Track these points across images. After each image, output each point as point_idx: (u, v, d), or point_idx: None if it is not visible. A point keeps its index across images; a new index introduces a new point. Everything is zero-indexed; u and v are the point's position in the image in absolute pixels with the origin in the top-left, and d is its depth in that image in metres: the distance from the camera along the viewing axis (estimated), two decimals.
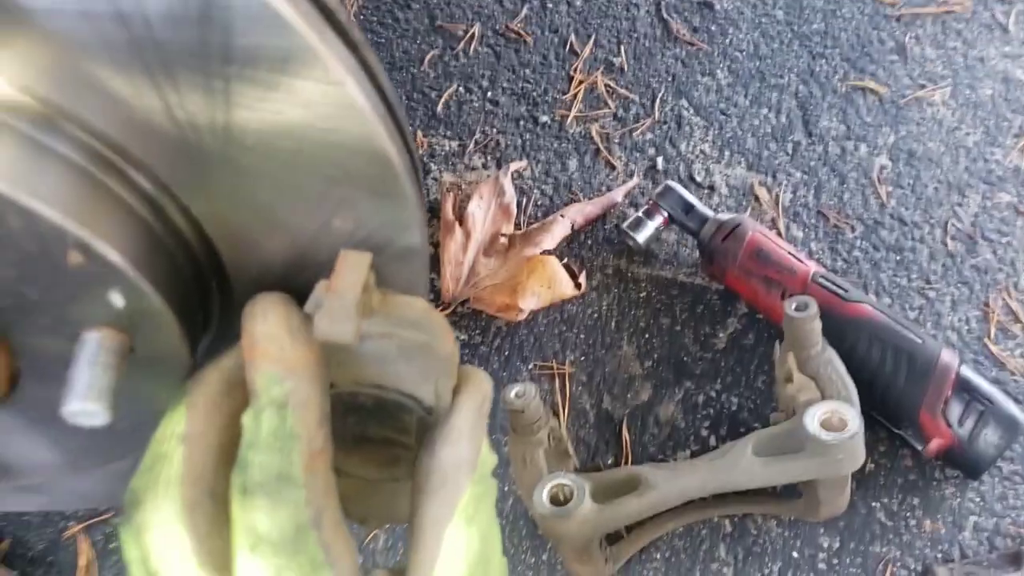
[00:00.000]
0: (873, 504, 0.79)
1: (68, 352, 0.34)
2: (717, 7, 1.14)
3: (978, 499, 0.79)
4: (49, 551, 0.90)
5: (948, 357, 0.75)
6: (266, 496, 0.31)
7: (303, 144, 0.32)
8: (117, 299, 0.33)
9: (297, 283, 0.36)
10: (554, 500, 0.68)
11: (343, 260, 0.33)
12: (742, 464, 0.66)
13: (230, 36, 0.28)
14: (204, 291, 0.38)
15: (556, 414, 0.89)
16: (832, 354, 0.71)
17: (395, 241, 0.36)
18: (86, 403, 0.31)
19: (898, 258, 0.93)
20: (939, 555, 0.77)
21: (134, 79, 0.29)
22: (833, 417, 0.64)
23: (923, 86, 1.04)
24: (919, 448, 0.76)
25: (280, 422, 0.32)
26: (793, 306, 0.70)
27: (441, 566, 0.33)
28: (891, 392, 0.76)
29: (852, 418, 0.64)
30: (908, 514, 0.79)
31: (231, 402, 0.35)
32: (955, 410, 0.74)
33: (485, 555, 0.34)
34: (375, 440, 0.40)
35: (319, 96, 0.30)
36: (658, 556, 0.81)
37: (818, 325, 0.70)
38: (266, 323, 0.33)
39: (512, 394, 0.71)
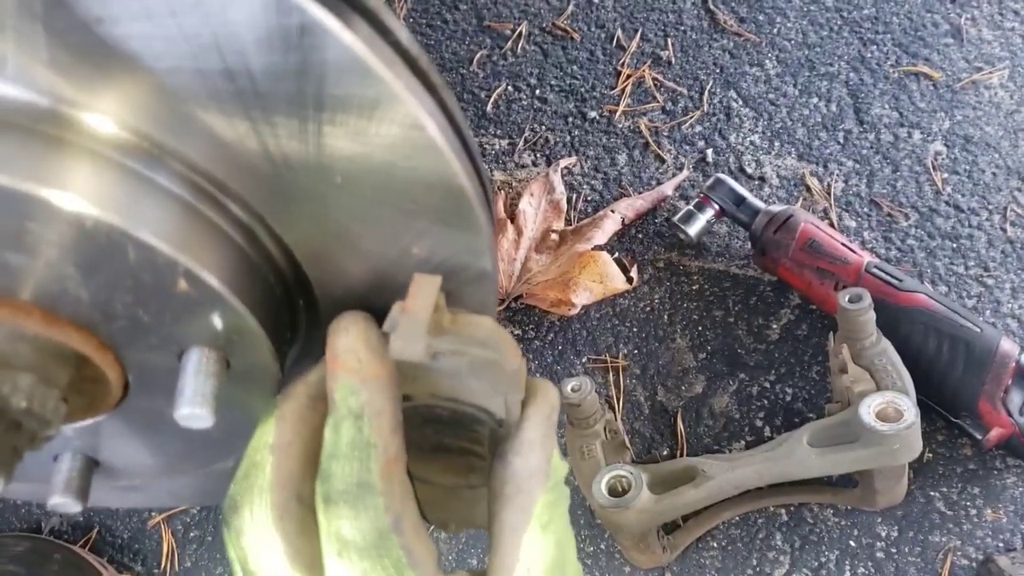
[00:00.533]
0: (932, 494, 0.80)
1: (172, 367, 0.37)
2: None
3: None
4: (134, 539, 0.95)
5: (1008, 346, 0.75)
6: (348, 504, 0.33)
7: (386, 181, 0.34)
8: (217, 321, 0.36)
9: (377, 303, 0.39)
10: (612, 491, 0.70)
11: (416, 283, 0.36)
12: (797, 454, 0.68)
13: (323, 86, 0.30)
14: (292, 310, 0.41)
15: (612, 407, 0.91)
16: (887, 345, 0.72)
17: (469, 267, 0.39)
18: (194, 408, 0.35)
19: (954, 246, 0.93)
20: (1000, 544, 0.77)
21: (236, 124, 0.32)
22: (888, 408, 0.65)
23: (980, 69, 1.03)
24: (979, 438, 0.77)
25: (357, 432, 0.34)
26: (847, 298, 0.71)
27: (519, 570, 0.34)
28: (949, 382, 0.77)
29: (908, 408, 0.65)
30: (968, 503, 0.79)
31: (316, 414, 0.37)
32: (1016, 399, 0.74)
33: (561, 560, 0.36)
34: (452, 450, 0.42)
35: (402, 138, 0.32)
36: (715, 545, 0.83)
37: (872, 316, 0.71)
38: (347, 337, 0.36)
39: (568, 388, 0.73)
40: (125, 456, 0.45)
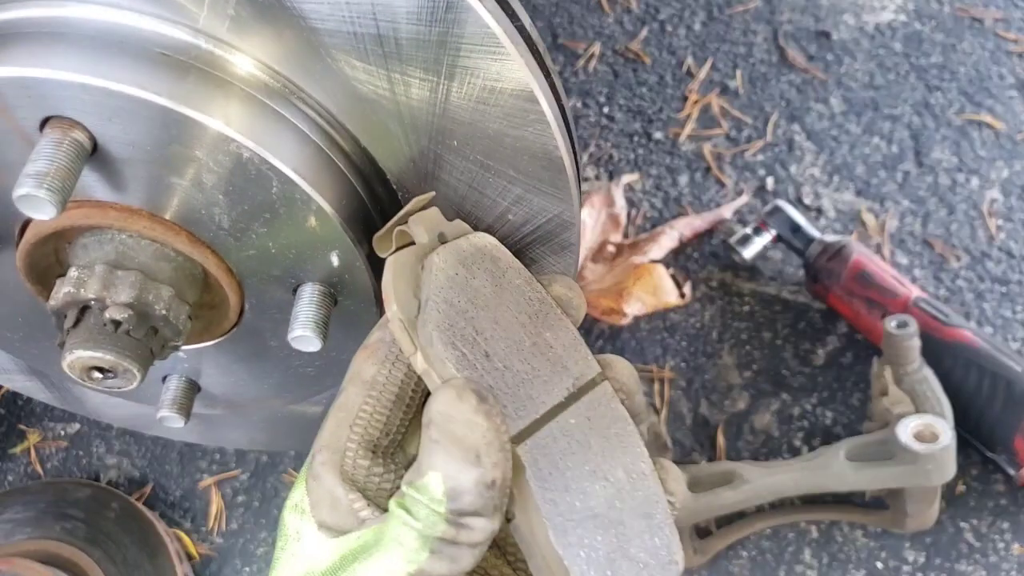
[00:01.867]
0: (962, 524, 0.82)
1: (286, 300, 0.42)
2: (835, 36, 1.17)
3: None
4: (185, 498, 1.00)
5: None
6: None
7: (496, 147, 0.39)
8: (335, 259, 0.40)
9: None
10: None
11: None
12: (834, 467, 0.71)
13: (458, 56, 0.35)
14: None
15: (656, 413, 0.94)
16: (929, 372, 0.74)
17: (557, 236, 0.43)
18: (306, 331, 0.39)
19: (1003, 290, 0.95)
20: None
21: (376, 83, 0.37)
22: (926, 430, 0.68)
23: None
24: (1012, 473, 0.78)
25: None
26: (894, 323, 0.74)
27: None
28: (987, 417, 0.79)
29: (944, 431, 0.67)
30: (997, 537, 0.81)
31: None
32: None
33: None
34: None
35: (516, 109, 0.37)
36: (745, 554, 0.85)
37: (917, 343, 0.74)
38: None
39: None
40: (225, 383, 0.50)
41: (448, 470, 0.31)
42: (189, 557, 0.93)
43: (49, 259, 0.42)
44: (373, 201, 0.42)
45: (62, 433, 1.02)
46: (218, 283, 0.42)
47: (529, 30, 0.37)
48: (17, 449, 1.01)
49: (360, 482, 0.35)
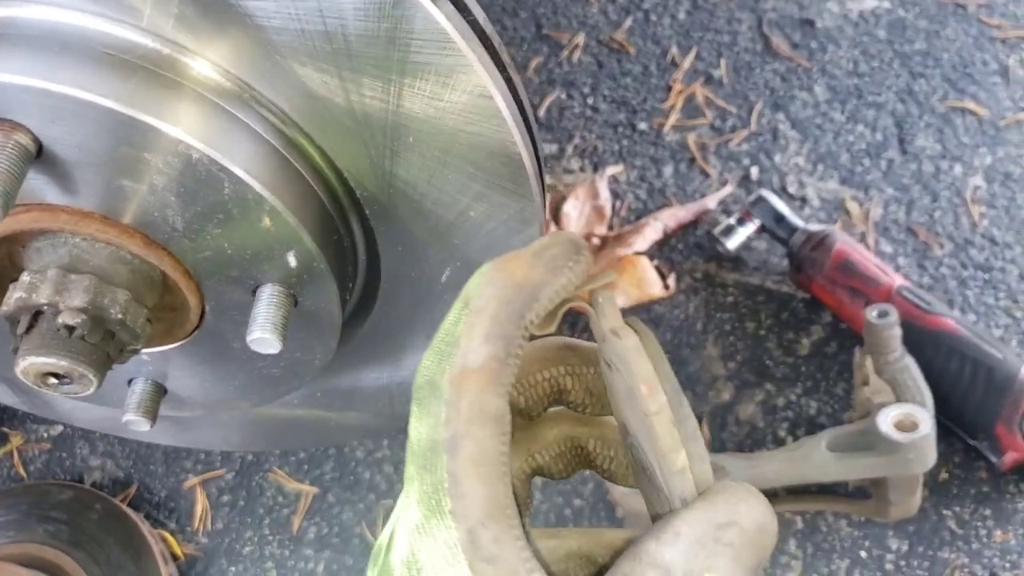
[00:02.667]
0: (944, 512, 0.82)
1: (246, 301, 0.42)
2: (819, 24, 1.17)
3: None
4: (170, 498, 0.99)
5: None
6: (417, 401, 0.29)
7: (453, 144, 0.38)
8: (292, 259, 0.40)
9: (433, 262, 0.43)
10: None
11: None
12: (815, 458, 0.70)
13: (408, 53, 0.35)
14: (356, 261, 0.45)
15: None
16: (910, 361, 0.74)
17: (520, 232, 0.43)
18: (264, 333, 0.39)
19: (986, 277, 0.94)
20: (1007, 565, 0.79)
21: (327, 81, 0.36)
22: (906, 419, 0.68)
23: None
24: (994, 460, 0.78)
25: (454, 322, 0.29)
26: (874, 313, 0.74)
27: None
28: (968, 404, 0.79)
29: (924, 420, 0.67)
30: (979, 524, 0.81)
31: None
32: None
33: None
34: None
35: (471, 106, 0.36)
36: None
37: (897, 332, 0.73)
38: (529, 247, 0.30)
39: None
40: (191, 386, 0.49)
41: None
42: (174, 557, 0.93)
43: (2, 263, 0.41)
44: (332, 201, 0.41)
45: (45, 435, 1.02)
46: (177, 285, 0.41)
47: (483, 24, 0.37)
48: (0, 452, 1.01)
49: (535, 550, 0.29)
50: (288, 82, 0.37)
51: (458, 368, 0.28)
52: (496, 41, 0.37)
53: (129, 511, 0.96)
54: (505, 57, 0.38)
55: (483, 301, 0.28)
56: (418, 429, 0.28)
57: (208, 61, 0.36)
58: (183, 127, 0.35)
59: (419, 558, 0.28)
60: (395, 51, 0.35)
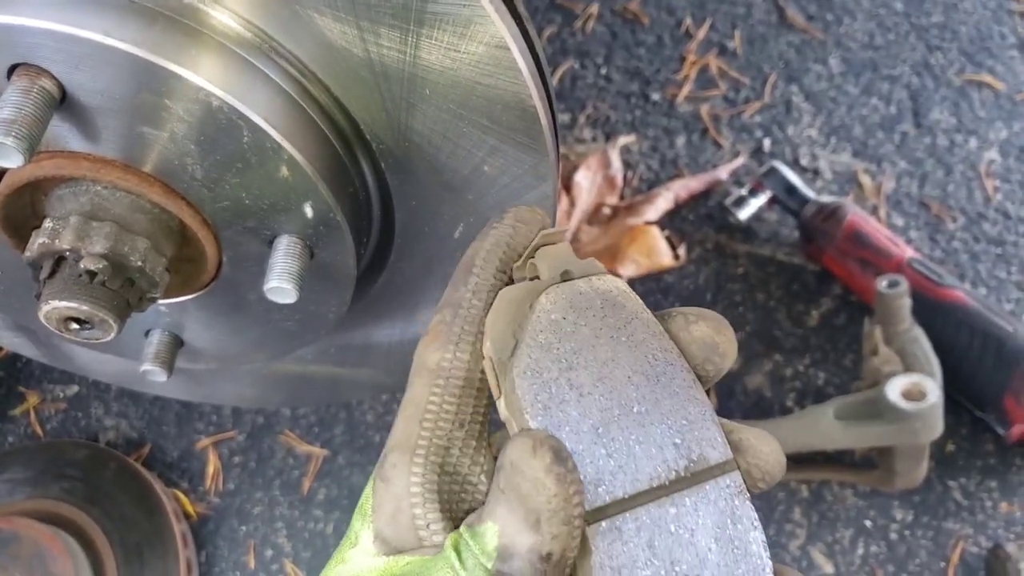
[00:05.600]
0: (950, 483, 0.82)
1: (263, 253, 0.42)
2: None
3: None
4: (183, 459, 1.01)
5: None
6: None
7: (468, 97, 0.38)
8: (308, 210, 0.40)
9: (447, 218, 0.43)
10: None
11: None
12: (822, 425, 0.71)
13: (426, 3, 0.35)
14: (371, 217, 0.45)
15: None
16: (919, 332, 0.74)
17: (533, 188, 0.43)
18: (281, 282, 0.39)
19: (999, 251, 0.94)
20: (1012, 536, 0.79)
21: (345, 30, 0.36)
22: (914, 389, 0.68)
23: None
24: (1001, 432, 0.79)
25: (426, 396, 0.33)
26: (885, 283, 0.74)
27: None
28: (977, 376, 0.79)
29: (932, 390, 0.67)
30: (985, 495, 0.81)
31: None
32: None
33: None
34: None
35: (488, 57, 0.36)
36: None
37: (907, 302, 0.73)
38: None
39: None
40: (207, 338, 0.50)
41: (505, 527, 0.29)
42: (187, 516, 0.94)
43: (26, 211, 0.42)
44: (348, 153, 0.42)
45: (61, 395, 1.03)
46: (195, 235, 0.42)
47: None
48: (17, 411, 1.02)
49: (432, 485, 0.32)
50: (307, 32, 0.37)
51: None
52: None
53: (143, 470, 0.97)
54: (522, 9, 0.38)
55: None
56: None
57: (228, 10, 0.36)
58: (204, 75, 0.35)
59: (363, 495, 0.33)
60: (413, 0, 0.35)
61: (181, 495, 0.97)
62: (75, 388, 1.03)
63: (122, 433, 1.04)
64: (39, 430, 1.02)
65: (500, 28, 0.36)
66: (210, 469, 1.00)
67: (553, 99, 0.42)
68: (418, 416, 0.32)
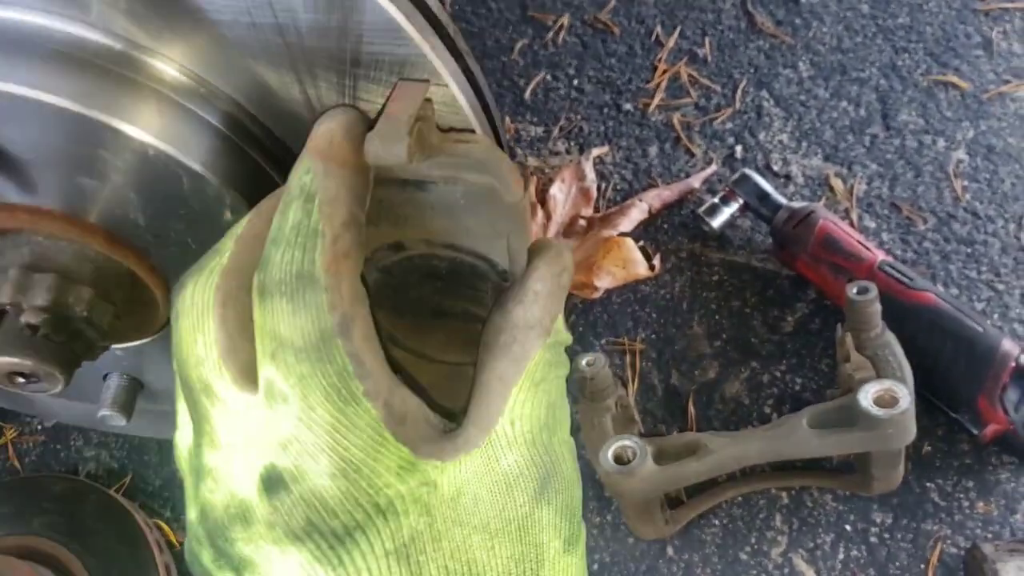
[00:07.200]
0: (928, 484, 0.83)
1: None
2: (803, 0, 1.16)
3: None
4: (164, 488, 1.00)
5: (1008, 346, 0.77)
6: (286, 297, 0.28)
7: None
8: None
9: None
10: (618, 459, 0.74)
11: (400, 88, 0.32)
12: (797, 434, 0.71)
13: (360, 44, 0.35)
14: None
15: (625, 387, 0.94)
16: (891, 337, 0.74)
17: None
18: None
19: (969, 251, 0.95)
20: (989, 535, 0.80)
21: (282, 74, 0.36)
22: (886, 395, 0.68)
23: (1007, 81, 1.05)
24: (975, 433, 0.79)
25: (304, 216, 0.30)
26: (854, 289, 0.74)
27: (503, 422, 0.30)
28: (950, 378, 0.79)
29: (904, 396, 0.67)
30: (962, 495, 0.82)
31: None
32: (1012, 397, 0.76)
33: (551, 422, 0.32)
34: (453, 315, 0.38)
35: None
36: (716, 522, 0.86)
37: (877, 308, 0.74)
38: (329, 122, 0.32)
39: (583, 362, 0.77)
40: (168, 379, 0.50)
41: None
42: (170, 546, 0.94)
43: None
44: None
45: (39, 428, 1.02)
46: (144, 281, 0.42)
47: (436, 13, 0.37)
48: None
49: None
50: (243, 76, 0.37)
51: (331, 256, 0.29)
52: (451, 29, 0.37)
53: (124, 501, 0.97)
54: (462, 45, 0.38)
55: (332, 192, 0.30)
56: (295, 324, 0.28)
57: (162, 56, 0.36)
58: (139, 124, 0.35)
59: (350, 458, 0.28)
60: (347, 43, 0.35)
61: (164, 525, 0.96)
62: (54, 420, 1.02)
63: (103, 464, 1.03)
64: (18, 464, 1.01)
65: (437, 66, 0.36)
66: None
67: (500, 130, 0.41)
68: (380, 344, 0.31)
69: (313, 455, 0.28)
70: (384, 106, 0.32)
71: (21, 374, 0.39)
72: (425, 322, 0.38)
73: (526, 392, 0.31)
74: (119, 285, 0.41)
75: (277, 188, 0.34)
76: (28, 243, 0.38)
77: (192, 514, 0.31)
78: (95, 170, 0.36)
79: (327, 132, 0.32)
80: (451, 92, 0.37)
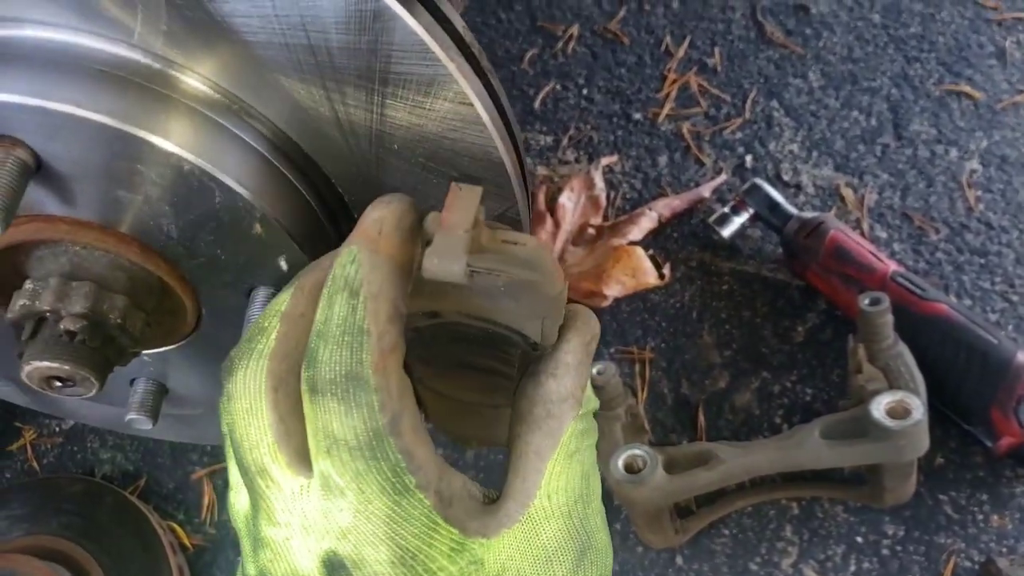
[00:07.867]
0: (941, 497, 0.83)
1: (241, 305, 0.43)
2: (813, 10, 1.17)
3: None
4: (178, 490, 1.01)
5: (1023, 358, 0.78)
6: (336, 397, 0.29)
7: (436, 150, 0.39)
8: (283, 264, 0.41)
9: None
10: (628, 468, 0.75)
11: (454, 194, 0.32)
12: (809, 445, 0.71)
13: (389, 64, 0.36)
14: None
15: (635, 395, 0.95)
16: (903, 348, 0.75)
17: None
18: None
19: (982, 262, 0.95)
20: (1004, 550, 0.80)
21: (313, 92, 0.37)
22: (899, 406, 0.69)
23: (1021, 91, 1.05)
24: (989, 445, 0.79)
25: (350, 311, 0.30)
26: (867, 300, 0.75)
27: (540, 496, 0.31)
28: (964, 389, 0.80)
29: (916, 407, 0.68)
30: (976, 509, 0.82)
31: None
32: None
33: (586, 493, 0.33)
34: (478, 368, 0.39)
35: (452, 113, 0.37)
36: (727, 532, 0.87)
37: (890, 319, 0.74)
38: (382, 209, 0.32)
39: (594, 371, 0.77)
40: (191, 385, 0.51)
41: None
42: (183, 548, 0.95)
43: (8, 273, 0.43)
44: (321, 205, 0.42)
45: (57, 429, 1.04)
46: (174, 290, 0.43)
47: (462, 32, 0.37)
48: (14, 446, 1.03)
49: None
50: (275, 94, 0.38)
51: (378, 354, 0.30)
52: (476, 48, 0.38)
53: (139, 503, 0.98)
54: (485, 63, 0.39)
55: (376, 287, 0.30)
56: (348, 424, 0.29)
57: (198, 75, 0.37)
58: (174, 140, 0.36)
59: (407, 546, 0.29)
60: (377, 62, 0.36)
61: (177, 527, 0.97)
62: (71, 422, 1.03)
63: (118, 466, 1.04)
64: (36, 465, 1.02)
65: (463, 85, 0.37)
66: (205, 500, 1.00)
67: (521, 150, 0.42)
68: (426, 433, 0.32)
69: (373, 544, 0.29)
70: (441, 214, 0.32)
71: (58, 378, 0.40)
72: (448, 370, 0.39)
73: (561, 464, 0.32)
74: (151, 294, 0.42)
75: (319, 251, 0.35)
76: (67, 253, 0.39)
77: (252, 571, 0.32)
78: (132, 183, 0.37)
79: (378, 221, 0.32)
80: (476, 112, 0.38)
